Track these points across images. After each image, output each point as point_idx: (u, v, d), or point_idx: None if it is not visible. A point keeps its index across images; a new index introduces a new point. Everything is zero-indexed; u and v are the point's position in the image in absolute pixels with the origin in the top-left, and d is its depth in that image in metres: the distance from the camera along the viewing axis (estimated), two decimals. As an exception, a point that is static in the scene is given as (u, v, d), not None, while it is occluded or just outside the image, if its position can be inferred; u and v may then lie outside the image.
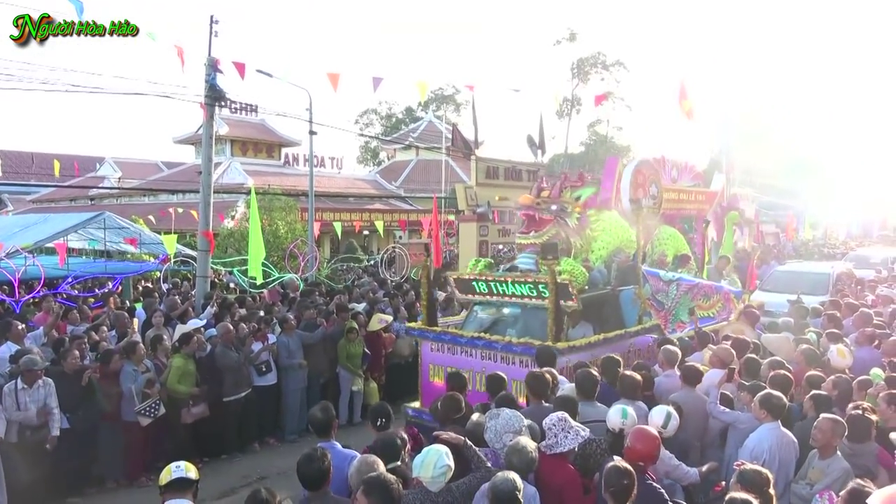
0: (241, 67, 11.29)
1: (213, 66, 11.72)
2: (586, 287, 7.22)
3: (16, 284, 10.82)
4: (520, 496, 3.32)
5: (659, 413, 4.69)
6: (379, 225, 24.21)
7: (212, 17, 12.08)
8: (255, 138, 30.98)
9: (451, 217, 20.89)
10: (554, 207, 7.44)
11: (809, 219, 34.31)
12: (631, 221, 9.30)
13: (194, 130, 28.34)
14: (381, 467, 3.59)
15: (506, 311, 7.51)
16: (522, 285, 6.97)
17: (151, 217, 22.89)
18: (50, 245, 13.83)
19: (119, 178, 31.58)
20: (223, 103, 12.69)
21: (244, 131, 30.45)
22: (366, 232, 28.45)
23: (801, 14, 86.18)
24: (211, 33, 12.01)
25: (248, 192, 14.93)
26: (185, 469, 3.59)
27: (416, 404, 7.62)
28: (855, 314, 8.54)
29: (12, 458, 6.22)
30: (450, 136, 20.67)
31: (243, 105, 28.54)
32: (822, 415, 4.53)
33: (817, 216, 36.24)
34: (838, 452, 4.39)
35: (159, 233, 17.33)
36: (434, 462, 3.58)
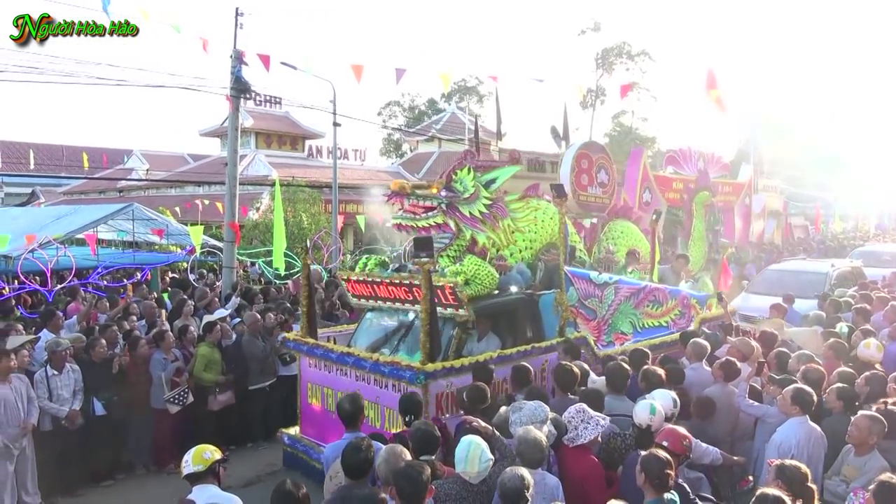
0: (265, 60, 11.36)
1: (238, 59, 11.84)
2: (496, 291, 6.20)
3: (48, 274, 11.06)
4: (528, 494, 3.30)
5: (666, 397, 4.68)
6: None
7: (237, 9, 12.19)
8: (279, 131, 31.18)
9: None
10: (444, 193, 6.15)
11: (839, 211, 33.65)
12: (574, 211, 8.70)
13: (220, 123, 28.66)
14: (408, 457, 3.61)
15: (398, 320, 6.40)
16: (402, 289, 5.94)
17: (178, 209, 23.20)
18: (80, 236, 14.10)
19: (147, 171, 32.06)
20: (248, 95, 12.82)
21: (269, 124, 30.67)
22: (388, 224, 28.49)
23: (827, 5, 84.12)
24: (236, 26, 12.11)
25: (273, 184, 15.06)
26: (192, 463, 3.67)
27: (294, 430, 6.71)
28: (886, 308, 8.36)
29: (47, 447, 6.39)
30: (472, 127, 20.61)
31: (268, 97, 28.85)
32: (861, 412, 4.46)
33: (847, 208, 35.51)
34: (875, 450, 4.32)
35: (186, 224, 17.56)
36: (479, 456, 3.59)
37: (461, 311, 5.67)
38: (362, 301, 6.55)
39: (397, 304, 6.11)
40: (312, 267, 13.94)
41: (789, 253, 20.69)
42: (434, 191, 6.13)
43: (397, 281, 5.95)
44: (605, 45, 41.15)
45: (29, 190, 36.23)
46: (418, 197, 6.13)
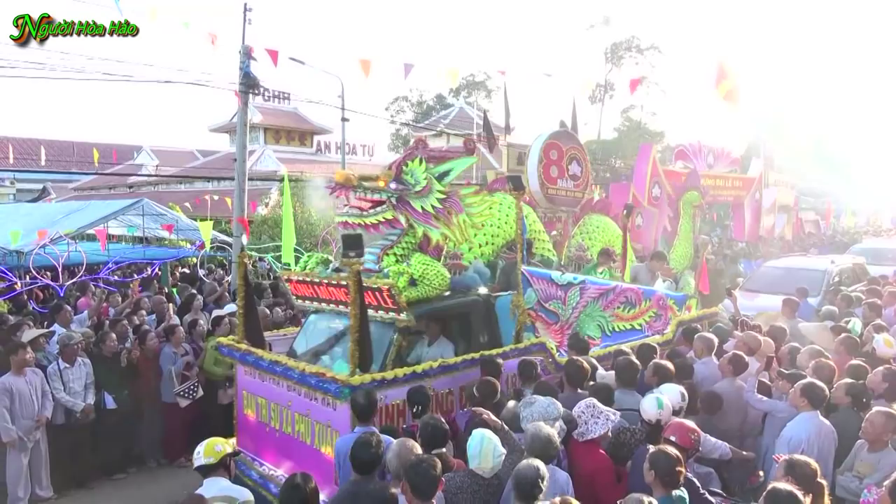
0: (274, 55, 11.37)
1: (247, 54, 11.86)
2: (448, 292, 5.74)
3: (59, 269, 11.15)
4: (542, 484, 3.30)
5: (674, 390, 4.66)
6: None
7: (245, 4, 12.20)
8: (287, 126, 31.27)
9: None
10: (393, 185, 5.62)
11: (850, 205, 33.36)
12: (543, 205, 8.30)
13: (229, 119, 28.74)
14: (419, 451, 3.62)
15: (342, 323, 5.74)
16: (342, 290, 5.34)
17: (188, 204, 23.32)
18: (91, 231, 14.20)
19: (156, 166, 32.23)
20: (257, 91, 12.83)
21: (277, 119, 30.76)
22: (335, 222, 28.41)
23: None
24: (245, 21, 12.13)
25: (282, 180, 15.10)
26: (203, 455, 3.72)
27: (230, 443, 6.05)
28: (897, 303, 8.29)
29: (59, 440, 6.46)
30: (481, 122, 20.57)
31: (276, 93, 28.92)
32: (876, 408, 4.42)
33: (859, 203, 35.20)
34: (890, 446, 4.29)
35: (195, 219, 17.66)
36: (492, 451, 3.59)
37: (402, 316, 5.14)
38: (305, 302, 6.06)
39: (339, 307, 5.56)
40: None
41: (800, 248, 20.51)
42: (382, 183, 5.61)
43: (335, 281, 5.43)
44: (615, 39, 41.03)
45: (40, 186, 36.53)
46: (365, 190, 5.55)
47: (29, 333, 6.74)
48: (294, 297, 6.26)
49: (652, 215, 17.99)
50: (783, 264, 12.85)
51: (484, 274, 6.35)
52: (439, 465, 3.29)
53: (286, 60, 12.73)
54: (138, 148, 37.13)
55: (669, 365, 5.32)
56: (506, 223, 7.00)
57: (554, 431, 3.88)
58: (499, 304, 6.08)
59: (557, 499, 3.09)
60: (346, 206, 5.63)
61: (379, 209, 5.57)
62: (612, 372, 5.49)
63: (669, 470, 3.45)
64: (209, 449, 3.74)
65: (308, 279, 5.79)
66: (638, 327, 7.22)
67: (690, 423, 4.12)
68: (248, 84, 12.07)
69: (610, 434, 4.31)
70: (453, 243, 6.19)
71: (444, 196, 5.86)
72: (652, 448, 3.68)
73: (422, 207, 5.70)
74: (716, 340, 6.25)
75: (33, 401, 6.09)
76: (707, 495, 3.86)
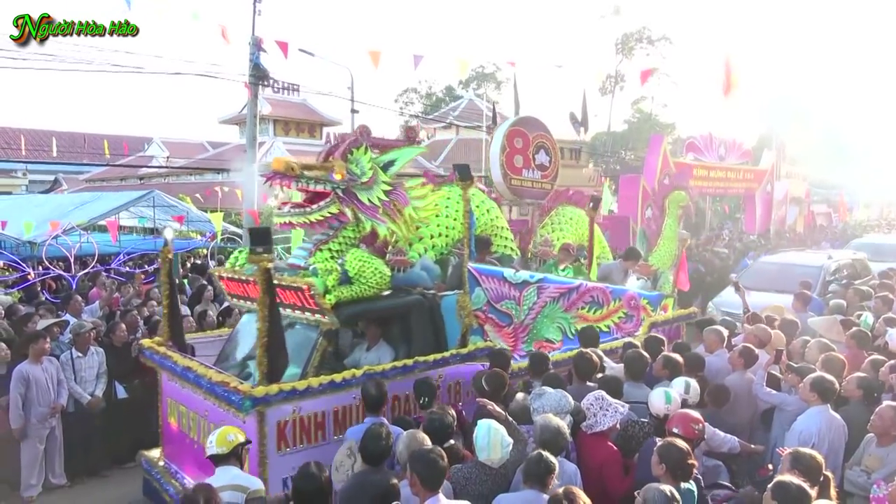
0: (283, 46, 11.38)
1: (256, 46, 11.88)
2: (388, 291, 5.35)
3: (72, 260, 11.25)
4: (553, 477, 3.33)
5: (679, 383, 4.67)
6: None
7: (255, -5, 12.20)
8: (297, 118, 31.28)
9: (491, 196, 20.72)
10: (336, 176, 5.17)
11: (863, 198, 33.05)
12: (507, 196, 7.95)
13: (238, 111, 28.78)
14: (429, 443, 3.64)
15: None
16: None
17: (198, 195, 23.43)
18: (102, 222, 14.31)
19: (167, 158, 32.37)
20: (266, 83, 12.86)
21: (286, 111, 30.78)
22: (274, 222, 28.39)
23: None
24: (254, 12, 12.14)
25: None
26: (216, 444, 3.74)
27: (156, 453, 5.78)
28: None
29: (72, 429, 6.54)
30: (490, 114, 20.52)
31: (286, 85, 28.94)
32: (886, 403, 4.40)
33: (872, 195, 34.86)
34: None
35: (206, 211, 17.74)
36: (500, 442, 3.61)
37: (324, 318, 4.79)
38: (237, 301, 5.65)
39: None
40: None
41: (812, 241, 20.35)
42: (339, 175, 5.17)
43: (247, 280, 5.04)
44: (626, 29, 40.72)
45: (52, 177, 36.77)
46: (308, 180, 5.05)
47: (43, 322, 6.82)
48: (229, 297, 5.84)
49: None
50: (778, 260, 12.38)
51: (433, 271, 5.86)
52: (445, 456, 3.31)
53: (296, 52, 12.72)
54: (149, 139, 37.29)
55: (679, 358, 5.31)
56: (457, 218, 6.50)
57: (564, 423, 3.90)
58: (445, 304, 5.62)
59: (561, 489, 3.10)
60: (284, 204, 5.21)
61: (323, 203, 5.09)
62: (621, 365, 5.49)
63: (680, 462, 3.45)
64: (221, 438, 3.77)
65: (237, 277, 5.32)
66: (605, 329, 6.75)
67: (694, 414, 4.12)
68: (258, 75, 12.10)
69: (618, 426, 4.31)
70: (401, 239, 5.71)
71: (389, 188, 5.46)
72: (660, 441, 3.69)
73: (368, 200, 5.29)
74: (725, 332, 6.23)
75: (49, 389, 6.18)
76: (707, 496, 3.86)
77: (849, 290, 9.23)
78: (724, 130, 22.05)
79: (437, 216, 6.17)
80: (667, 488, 3.05)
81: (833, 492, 3.43)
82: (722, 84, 17.87)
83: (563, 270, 7.29)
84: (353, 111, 17.89)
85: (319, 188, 5.10)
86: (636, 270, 8.06)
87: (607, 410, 4.19)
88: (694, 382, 4.77)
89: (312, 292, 4.70)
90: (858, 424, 4.53)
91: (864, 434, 4.46)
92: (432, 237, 6.21)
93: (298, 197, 5.27)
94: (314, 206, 5.08)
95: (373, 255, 5.34)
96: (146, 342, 5.90)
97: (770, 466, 4.39)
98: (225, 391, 4.37)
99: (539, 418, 3.93)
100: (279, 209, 5.25)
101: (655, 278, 8.13)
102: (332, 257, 5.22)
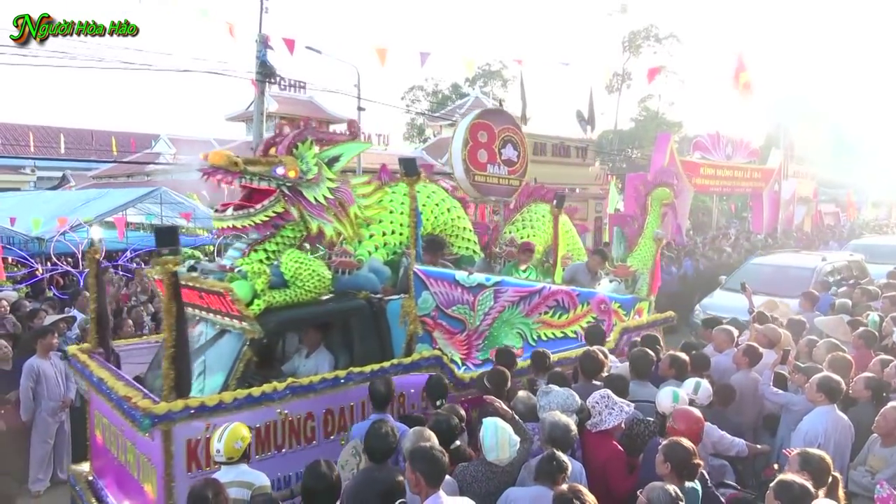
0: (290, 44, 11.41)
1: (263, 43, 11.90)
2: (329, 295, 5.03)
3: (79, 256, 11.31)
4: (573, 436, 3.42)
5: (689, 382, 4.67)
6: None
7: (262, -7, 12.23)
8: (303, 115, 31.23)
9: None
10: (280, 171, 4.77)
11: (872, 197, 32.86)
12: (471, 194, 7.44)
13: (245, 108, 28.87)
14: (435, 441, 3.64)
15: (205, 333, 5.04)
16: (195, 293, 4.68)
17: (205, 192, 23.49)
18: (109, 219, 14.37)
19: (174, 155, 32.47)
20: (273, 80, 12.88)
21: (293, 108, 30.79)
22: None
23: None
24: (262, 10, 12.16)
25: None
26: (224, 454, 3.70)
27: (84, 467, 5.40)
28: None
29: (79, 423, 6.57)
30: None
31: (292, 82, 28.97)
32: (891, 403, 4.38)
33: (880, 194, 34.67)
34: None
35: (212, 208, 17.76)
36: (507, 441, 3.61)
37: (246, 325, 4.44)
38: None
39: (202, 312, 4.85)
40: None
41: (820, 241, 20.26)
42: (293, 173, 4.80)
43: (191, 283, 4.71)
44: (633, 27, 40.55)
45: (60, 174, 36.95)
46: (252, 177, 4.68)
47: (51, 318, 6.87)
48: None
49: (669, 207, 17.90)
50: (770, 261, 11.97)
51: (382, 273, 5.49)
52: (442, 451, 3.32)
53: (303, 49, 12.76)
54: (156, 136, 37.39)
55: (686, 357, 5.30)
56: (431, 211, 6.24)
57: (571, 421, 3.91)
58: (391, 309, 5.25)
59: (565, 486, 3.11)
60: (224, 206, 4.78)
61: (267, 202, 4.73)
62: (627, 364, 5.48)
63: (686, 462, 3.45)
64: (229, 447, 3.71)
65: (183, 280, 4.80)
66: (572, 335, 6.33)
67: (695, 412, 4.11)
68: (265, 73, 12.12)
69: (623, 425, 4.31)
70: (347, 239, 5.37)
71: (335, 185, 5.14)
72: (665, 440, 3.69)
73: (314, 198, 4.95)
74: (735, 332, 6.22)
75: (59, 383, 6.24)
76: (716, 492, 3.86)
77: (855, 289, 9.19)
78: (731, 129, 22.00)
79: (391, 212, 5.82)
80: (671, 488, 3.05)
81: (841, 492, 3.43)
82: (733, 79, 17.78)
83: (524, 272, 6.88)
84: (360, 108, 17.91)
85: (264, 185, 4.73)
86: (612, 272, 7.68)
87: (612, 409, 4.19)
88: (705, 383, 4.74)
89: (231, 297, 4.35)
90: (867, 425, 4.51)
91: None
92: (384, 234, 5.81)
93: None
94: (258, 206, 4.70)
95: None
96: (71, 349, 5.47)
97: (776, 466, 4.39)
98: (127, 406, 4.01)
99: (547, 416, 3.94)
100: (218, 211, 4.79)
101: (634, 280, 7.67)
102: (268, 258, 4.88)
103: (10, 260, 12.02)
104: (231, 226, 4.70)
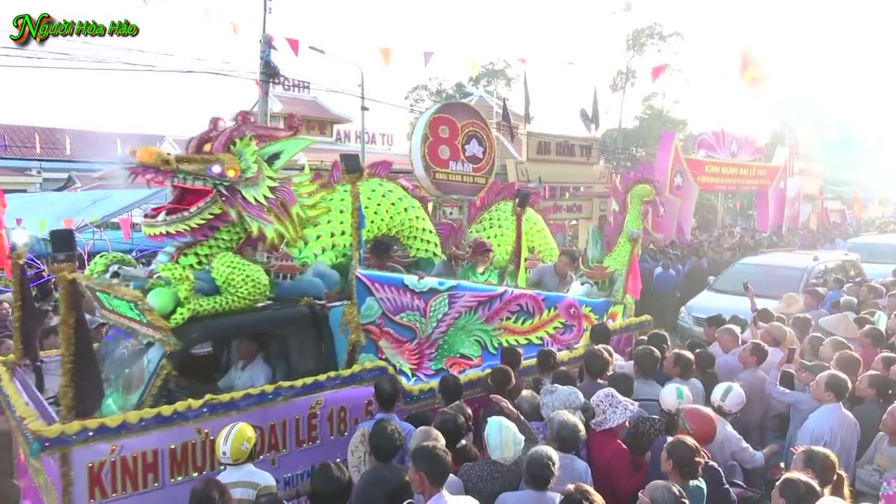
0: (294, 44, 11.45)
1: (267, 44, 11.94)
2: (268, 301, 4.75)
3: (86, 257, 11.35)
4: (553, 468, 3.34)
5: (720, 387, 4.61)
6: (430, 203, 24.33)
7: (266, -6, 12.26)
8: (307, 115, 31.32)
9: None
10: (216, 169, 4.42)
11: (878, 194, 32.71)
12: (432, 192, 7.19)
13: (249, 108, 28.91)
14: (442, 440, 3.64)
15: (129, 345, 4.74)
16: (120, 302, 4.32)
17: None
18: (115, 220, 14.42)
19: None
20: (277, 80, 12.91)
21: (297, 108, 30.68)
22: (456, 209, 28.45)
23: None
24: (265, 10, 12.19)
25: (302, 169, 15.21)
26: (231, 456, 3.67)
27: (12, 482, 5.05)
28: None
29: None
30: (500, 111, 20.49)
31: (296, 82, 29.04)
32: None
33: (887, 192, 34.51)
34: None
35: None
36: (512, 440, 3.61)
37: (160, 336, 4.13)
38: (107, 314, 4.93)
39: (125, 321, 4.51)
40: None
41: (825, 238, 20.17)
42: (232, 172, 4.45)
43: (99, 290, 4.46)
44: (636, 25, 40.45)
45: (65, 175, 37.10)
46: (186, 176, 4.35)
47: (57, 319, 6.89)
48: (97, 307, 5.10)
49: (674, 205, 17.86)
50: (759, 261, 11.55)
51: (330, 277, 5.18)
52: (445, 451, 3.32)
53: (306, 49, 12.79)
54: (161, 137, 37.49)
55: (690, 355, 5.29)
56: (375, 213, 5.91)
57: (580, 420, 3.90)
58: (334, 316, 4.92)
59: (572, 486, 3.10)
60: (156, 210, 4.49)
61: (203, 204, 4.40)
62: (632, 362, 5.47)
63: (688, 460, 3.45)
64: (235, 449, 3.70)
65: (94, 287, 4.61)
66: (538, 341, 5.97)
67: (706, 411, 4.10)
68: (269, 73, 12.17)
69: (628, 424, 4.31)
70: (289, 241, 5.05)
71: (275, 184, 4.81)
72: (670, 438, 3.68)
73: (254, 198, 4.62)
74: (739, 331, 6.19)
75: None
76: (729, 489, 3.85)
77: (862, 287, 9.16)
78: (736, 127, 21.93)
79: (341, 212, 5.51)
80: (675, 487, 3.04)
81: (846, 490, 3.41)
82: (740, 74, 17.71)
83: (482, 275, 6.49)
84: (364, 108, 17.95)
85: (199, 185, 4.40)
86: (587, 273, 7.28)
87: (616, 408, 4.19)
88: (737, 388, 4.57)
89: (141, 306, 4.07)
90: (873, 423, 4.50)
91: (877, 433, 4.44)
92: (333, 235, 5.47)
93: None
94: (193, 209, 4.37)
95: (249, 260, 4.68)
96: None
97: (782, 465, 4.38)
98: (23, 428, 3.73)
99: (555, 414, 3.94)
100: (149, 216, 4.46)
101: (612, 282, 7.24)
102: (200, 263, 4.58)
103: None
104: (164, 232, 4.36)
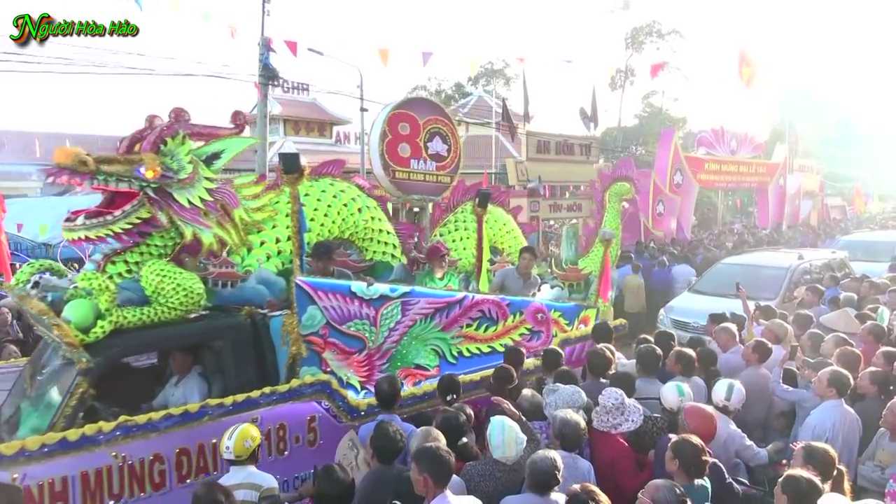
0: (293, 46, 11.45)
1: (266, 46, 11.95)
2: (204, 311, 4.49)
3: (87, 262, 11.36)
4: (559, 475, 3.33)
5: (721, 385, 4.59)
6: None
7: (264, -4, 12.28)
8: (306, 117, 31.40)
9: (502, 193, 20.75)
10: (142, 171, 4.15)
11: (879, 190, 32.72)
12: (392, 192, 6.90)
13: (248, 111, 28.96)
14: (443, 440, 3.65)
15: (54, 361, 4.40)
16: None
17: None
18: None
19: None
20: (276, 82, 12.93)
21: (296, 110, 30.90)
22: (416, 209, 28.59)
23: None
24: (263, 13, 12.21)
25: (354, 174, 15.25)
26: (234, 451, 3.67)
27: None
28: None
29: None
30: (500, 111, 20.51)
31: (295, 84, 29.07)
32: None
33: (888, 187, 34.53)
34: None
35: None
36: (514, 439, 3.61)
37: (74, 354, 3.86)
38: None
39: (51, 336, 4.19)
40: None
41: (826, 234, 20.18)
42: (151, 173, 4.15)
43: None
44: (635, 23, 40.50)
45: (66, 179, 37.12)
46: (108, 178, 4.06)
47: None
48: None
49: (674, 203, 17.87)
50: (741, 261, 11.16)
51: (276, 285, 4.91)
52: (448, 451, 3.31)
53: (305, 51, 12.80)
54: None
55: (692, 353, 5.28)
56: (325, 215, 5.58)
57: (582, 419, 3.90)
58: (275, 326, 4.66)
59: (578, 486, 3.10)
60: (76, 213, 4.18)
61: (129, 208, 4.14)
62: (634, 361, 5.47)
63: (694, 459, 3.44)
64: (239, 446, 3.70)
65: (16, 299, 4.35)
66: (501, 349, 5.61)
67: (707, 409, 4.10)
68: (268, 75, 12.17)
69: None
70: (232, 247, 4.75)
71: (214, 186, 4.54)
72: (674, 437, 3.68)
73: (188, 201, 4.36)
74: (736, 328, 6.19)
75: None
76: (733, 483, 3.85)
77: (863, 283, 9.16)
78: (736, 124, 21.95)
79: (287, 215, 5.20)
80: (676, 487, 3.04)
81: (847, 486, 3.42)
82: (738, 72, 17.72)
83: (441, 280, 6.17)
84: (363, 109, 17.97)
85: (123, 187, 4.12)
86: (561, 276, 7.03)
87: (629, 419, 4.13)
88: (738, 385, 4.55)
89: (49, 321, 3.81)
90: (874, 420, 4.50)
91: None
92: (278, 241, 5.14)
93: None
94: (117, 213, 4.10)
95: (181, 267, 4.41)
96: None
97: (785, 462, 4.38)
98: None
99: (558, 413, 3.94)
100: (69, 220, 4.13)
101: (587, 285, 6.96)
102: (129, 271, 4.33)
103: (17, 266, 12.08)
104: (83, 237, 4.03)
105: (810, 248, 14.70)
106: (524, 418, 4.10)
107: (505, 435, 3.62)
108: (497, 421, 3.71)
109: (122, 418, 3.79)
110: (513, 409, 4.11)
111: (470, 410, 4.36)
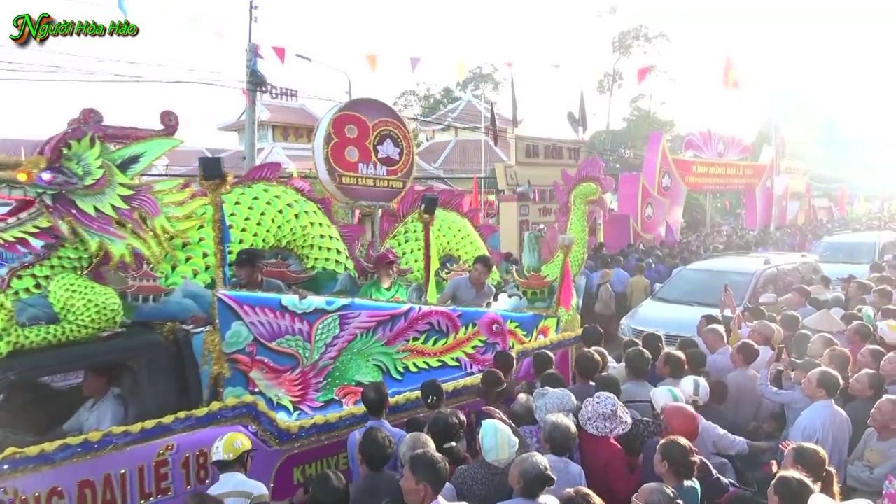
0: (280, 52, 11.45)
1: (253, 52, 11.94)
2: (120, 329, 4.19)
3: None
4: (549, 472, 3.31)
5: (687, 382, 4.63)
6: (419, 207, 24.28)
7: (251, 2, 12.27)
8: (295, 123, 31.34)
9: (492, 197, 20.86)
10: (47, 176, 3.92)
11: (864, 192, 33.07)
12: (339, 198, 6.64)
13: (237, 117, 28.89)
14: (432, 445, 3.64)
15: None
16: None
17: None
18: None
19: (166, 166, 32.44)
20: (264, 88, 12.91)
21: (285, 116, 30.84)
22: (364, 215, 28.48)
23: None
24: (251, 19, 12.20)
25: (291, 177, 15.19)
26: (222, 450, 3.66)
27: None
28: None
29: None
30: (488, 115, 20.55)
31: (283, 90, 29.03)
32: (886, 396, 4.39)
33: (873, 188, 34.90)
34: None
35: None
36: (507, 442, 3.60)
37: None
38: None
39: None
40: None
41: (813, 235, 20.36)
42: (24, 176, 3.83)
43: None
44: (622, 27, 40.77)
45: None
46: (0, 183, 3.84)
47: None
48: None
49: (662, 205, 17.98)
50: (705, 266, 10.66)
51: (204, 298, 4.62)
52: (441, 457, 3.29)
53: (293, 57, 12.80)
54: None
55: (681, 355, 5.30)
56: (258, 224, 5.32)
57: (572, 423, 3.91)
58: (197, 343, 4.36)
59: (572, 489, 3.10)
60: None
61: (24, 215, 3.90)
62: (622, 364, 5.48)
63: (683, 460, 3.46)
64: (228, 445, 3.71)
65: None
66: (452, 363, 5.37)
67: (689, 409, 4.11)
68: (256, 82, 12.16)
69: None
70: (152, 259, 4.44)
71: (131, 192, 4.24)
72: (662, 440, 3.69)
73: (95, 209, 4.08)
74: (724, 331, 6.22)
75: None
76: (720, 478, 3.87)
77: (850, 283, 9.23)
78: (723, 126, 22.12)
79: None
80: (668, 490, 3.05)
81: (836, 487, 3.44)
82: (723, 77, 17.90)
83: (388, 291, 5.89)
84: (352, 115, 18.00)
85: (17, 194, 3.88)
86: (523, 284, 6.74)
87: (621, 425, 4.14)
88: (703, 381, 4.69)
89: None
90: (863, 419, 4.51)
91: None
92: (206, 256, 4.84)
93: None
94: (10, 220, 3.87)
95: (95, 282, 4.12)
96: None
97: (773, 463, 4.40)
98: None
99: (549, 417, 3.93)
100: None
101: (551, 292, 6.63)
102: (38, 286, 4.04)
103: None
104: None
105: (798, 249, 14.77)
106: (514, 425, 4.10)
107: (498, 438, 3.61)
108: (489, 424, 3.70)
109: (9, 450, 3.39)
110: (503, 417, 4.10)
111: (462, 416, 4.36)
